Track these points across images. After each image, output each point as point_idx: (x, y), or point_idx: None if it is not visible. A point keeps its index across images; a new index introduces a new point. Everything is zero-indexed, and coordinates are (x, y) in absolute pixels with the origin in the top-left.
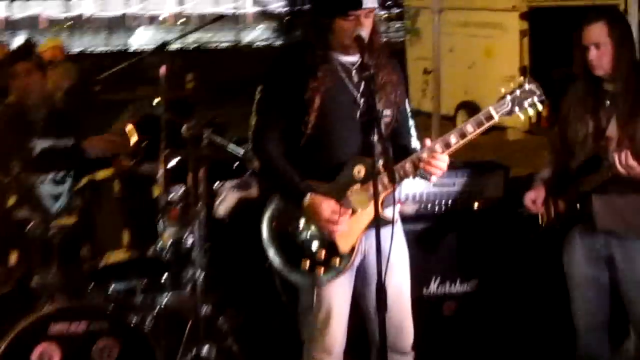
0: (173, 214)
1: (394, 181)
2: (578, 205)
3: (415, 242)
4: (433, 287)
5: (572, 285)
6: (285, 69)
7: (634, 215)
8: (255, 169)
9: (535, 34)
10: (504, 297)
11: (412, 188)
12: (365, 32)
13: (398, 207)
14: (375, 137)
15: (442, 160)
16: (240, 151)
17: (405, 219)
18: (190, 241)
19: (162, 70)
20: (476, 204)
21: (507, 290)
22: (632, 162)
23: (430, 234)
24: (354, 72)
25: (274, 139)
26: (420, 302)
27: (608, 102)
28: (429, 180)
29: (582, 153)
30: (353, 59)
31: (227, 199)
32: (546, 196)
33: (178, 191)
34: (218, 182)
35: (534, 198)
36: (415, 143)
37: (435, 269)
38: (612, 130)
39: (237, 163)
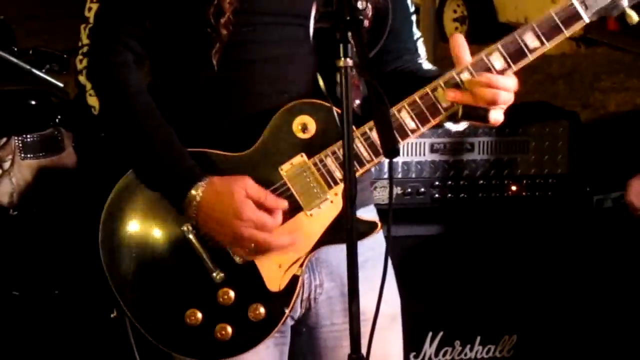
0: None
1: (395, 151)
2: None
3: (395, 265)
4: (429, 350)
5: None
6: None
7: None
8: (92, 108)
9: None
10: None
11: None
12: None
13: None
14: (347, 54)
15: (513, 85)
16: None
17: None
18: None
19: None
20: (513, 187)
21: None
22: None
23: (424, 247)
24: None
25: (132, 51)
26: None
27: None
28: (486, 121)
29: None
30: None
31: (14, 172)
32: None
33: None
34: None
35: None
36: (426, 64)
37: (436, 315)
38: None
39: (32, 103)
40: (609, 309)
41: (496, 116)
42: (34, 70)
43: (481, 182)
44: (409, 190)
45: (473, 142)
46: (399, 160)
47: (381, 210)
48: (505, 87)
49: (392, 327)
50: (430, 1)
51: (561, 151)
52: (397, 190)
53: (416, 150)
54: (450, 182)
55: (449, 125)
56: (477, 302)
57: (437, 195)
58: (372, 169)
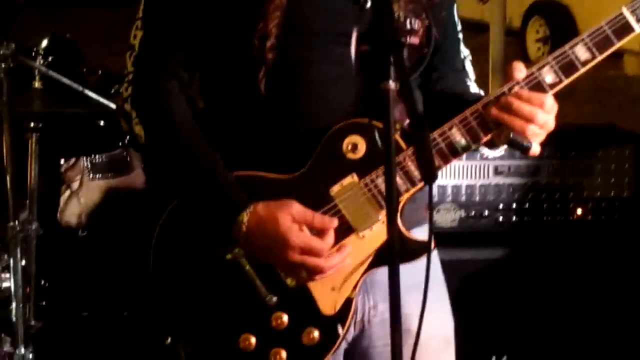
0: None
1: (433, 178)
2: None
3: (459, 288)
4: None
5: None
6: None
7: None
8: (138, 137)
9: None
10: None
11: (450, 179)
12: None
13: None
14: (392, 79)
15: (550, 106)
16: (109, 103)
17: (438, 240)
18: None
19: None
20: (578, 210)
21: None
22: None
23: (488, 271)
24: None
25: (178, 79)
26: None
27: None
28: (526, 152)
29: None
30: None
31: (82, 192)
32: None
33: None
34: (64, 160)
35: None
36: (474, 87)
37: (499, 340)
38: None
39: (101, 124)
40: None
41: (535, 148)
42: (86, 91)
43: (546, 205)
44: (473, 213)
45: (538, 164)
46: (462, 183)
47: (442, 233)
48: (542, 104)
49: (447, 350)
50: (500, 19)
51: (627, 174)
52: (461, 213)
53: (480, 172)
54: (514, 206)
55: (485, 151)
56: (541, 327)
57: (501, 219)
58: (435, 191)
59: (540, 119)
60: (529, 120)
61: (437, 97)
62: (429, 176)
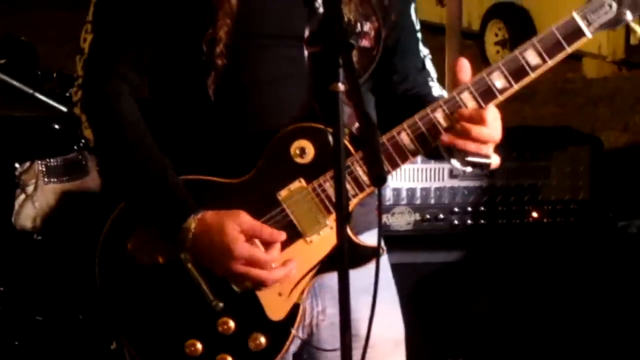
0: None
1: (381, 180)
2: None
3: (414, 291)
4: None
5: None
6: None
7: None
8: (88, 141)
9: None
10: None
11: (405, 181)
12: None
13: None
14: (341, 80)
15: (492, 119)
16: (61, 106)
17: (393, 243)
18: None
19: None
20: (534, 213)
21: None
22: None
23: (443, 273)
24: None
25: (127, 81)
26: None
27: None
28: (487, 168)
29: None
30: None
31: (37, 196)
32: None
33: None
34: (18, 164)
35: None
36: (437, 89)
37: (454, 343)
38: None
39: (55, 127)
40: (636, 336)
41: (494, 162)
42: (37, 94)
43: (501, 208)
44: (428, 216)
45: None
46: (417, 186)
47: (397, 236)
48: (482, 121)
49: (396, 353)
50: (456, 21)
51: (583, 177)
52: (416, 216)
53: (435, 175)
54: (469, 209)
55: (455, 164)
56: (497, 330)
57: (456, 222)
58: (390, 194)
59: (483, 135)
60: (475, 140)
61: (400, 100)
62: (378, 179)
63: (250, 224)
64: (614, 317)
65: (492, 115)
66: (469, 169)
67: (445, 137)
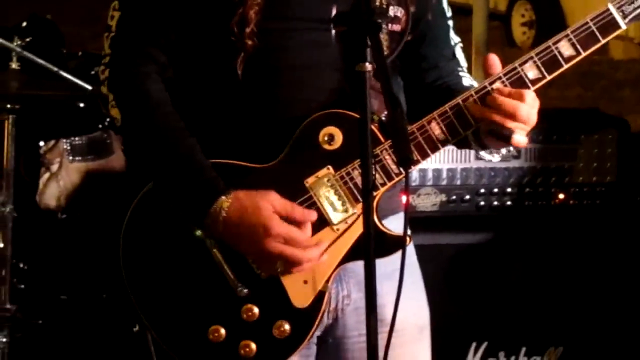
0: None
1: (408, 161)
2: None
3: (439, 273)
4: None
5: None
6: None
7: None
8: (114, 120)
9: None
10: None
11: (431, 162)
12: None
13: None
14: (368, 60)
15: (531, 100)
16: (86, 85)
17: (418, 224)
18: None
19: None
20: (561, 195)
21: None
22: None
23: (469, 255)
24: None
25: (155, 61)
26: None
27: None
28: (507, 140)
29: None
30: None
31: (62, 175)
32: None
33: None
34: (43, 142)
35: None
36: (467, 80)
37: (480, 325)
38: None
39: (81, 105)
40: None
41: (519, 139)
42: (62, 72)
43: (528, 190)
44: (454, 197)
45: (520, 149)
46: (443, 167)
47: (422, 218)
48: (522, 98)
49: (420, 339)
50: (483, 2)
51: (610, 159)
52: (442, 197)
53: (462, 157)
54: (496, 190)
55: (484, 154)
56: (522, 312)
57: (482, 203)
58: (416, 175)
59: (523, 113)
60: (510, 115)
61: (429, 90)
62: (404, 160)
63: (283, 203)
64: (639, 300)
65: (531, 97)
66: (496, 158)
67: (477, 107)
